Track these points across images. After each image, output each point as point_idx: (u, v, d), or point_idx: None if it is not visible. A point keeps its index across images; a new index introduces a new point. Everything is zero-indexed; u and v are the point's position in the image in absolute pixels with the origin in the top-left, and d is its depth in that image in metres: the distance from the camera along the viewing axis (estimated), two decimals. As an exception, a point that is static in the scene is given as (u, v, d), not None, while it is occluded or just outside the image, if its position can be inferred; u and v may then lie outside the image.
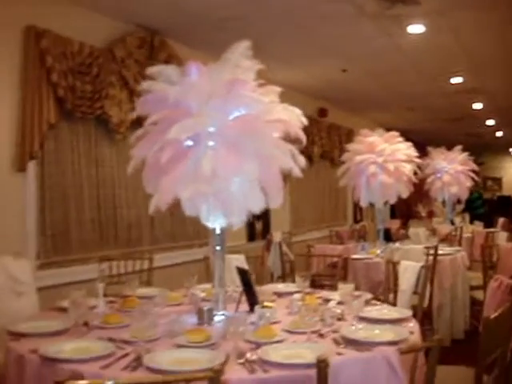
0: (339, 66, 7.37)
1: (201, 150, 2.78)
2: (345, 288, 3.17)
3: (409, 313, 3.01)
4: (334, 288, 5.30)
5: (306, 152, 9.00)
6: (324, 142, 9.71)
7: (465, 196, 8.92)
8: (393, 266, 4.06)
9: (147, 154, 2.86)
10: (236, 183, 2.80)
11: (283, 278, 5.95)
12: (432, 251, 5.15)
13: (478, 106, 10.73)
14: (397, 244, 6.29)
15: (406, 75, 8.14)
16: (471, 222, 11.16)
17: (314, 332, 2.64)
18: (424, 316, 5.15)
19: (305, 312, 2.69)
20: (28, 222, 4.61)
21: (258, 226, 7.82)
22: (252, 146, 2.79)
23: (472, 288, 5.92)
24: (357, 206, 11.23)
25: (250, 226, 7.62)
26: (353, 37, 6.23)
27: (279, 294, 3.67)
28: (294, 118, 3.03)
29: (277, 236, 7.18)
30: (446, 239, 7.89)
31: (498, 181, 20.77)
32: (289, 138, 3.07)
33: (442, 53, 6.99)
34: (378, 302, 3.43)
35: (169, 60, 5.87)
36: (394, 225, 9.31)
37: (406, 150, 6.10)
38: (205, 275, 4.66)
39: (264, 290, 3.64)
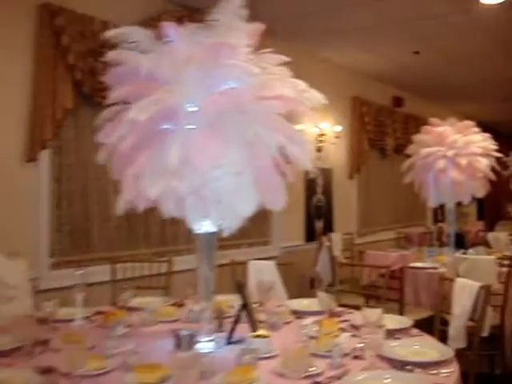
0: (410, 47, 6.52)
1: (174, 135, 2.18)
2: (369, 313, 2.48)
3: (449, 353, 2.27)
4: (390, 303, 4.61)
5: (378, 144, 8.30)
6: (399, 135, 8.84)
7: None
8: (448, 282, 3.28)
9: (112, 140, 2.29)
10: (219, 177, 2.18)
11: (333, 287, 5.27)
12: (507, 262, 4.30)
13: None
14: (470, 251, 5.44)
15: (493, 58, 7.15)
16: None
17: (309, 377, 1.99)
18: (492, 340, 4.32)
19: (299, 347, 2.03)
20: (40, 217, 4.20)
21: (319, 224, 7.12)
22: (238, 128, 2.16)
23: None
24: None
25: (309, 224, 6.94)
26: (423, 12, 5.40)
27: (299, 314, 3.02)
28: (302, 94, 2.35)
29: (335, 237, 6.50)
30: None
31: None
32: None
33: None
34: (419, 332, 2.70)
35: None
36: (476, 227, 8.35)
37: (481, 142, 5.23)
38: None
39: (281, 308, 3.01)
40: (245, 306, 2.55)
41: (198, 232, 2.44)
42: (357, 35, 6.14)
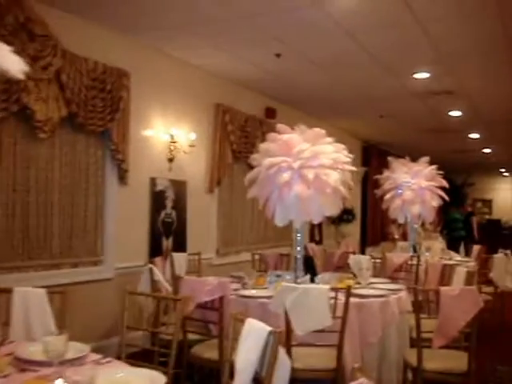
0: (270, 48, 5.86)
1: None
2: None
3: None
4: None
5: (245, 157, 7.59)
6: (270, 148, 8.20)
7: (430, 218, 7.42)
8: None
9: None
10: None
11: (154, 320, 4.50)
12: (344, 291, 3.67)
13: (456, 113, 9.26)
14: (319, 277, 4.82)
15: (364, 69, 6.66)
16: (450, 248, 9.66)
17: None
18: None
19: None
20: None
21: (168, 242, 6.31)
22: None
23: (412, 342, 4.40)
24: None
25: (155, 242, 6.12)
26: (270, 5, 4.77)
27: (24, 365, 2.19)
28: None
29: (179, 258, 5.73)
30: (400, 271, 6.43)
31: (487, 203, 19.27)
32: None
33: (396, 34, 5.48)
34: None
35: (26, 22, 4.52)
36: (346, 248, 7.86)
37: (333, 153, 4.61)
38: None
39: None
40: None
41: None
42: (204, 30, 5.41)
